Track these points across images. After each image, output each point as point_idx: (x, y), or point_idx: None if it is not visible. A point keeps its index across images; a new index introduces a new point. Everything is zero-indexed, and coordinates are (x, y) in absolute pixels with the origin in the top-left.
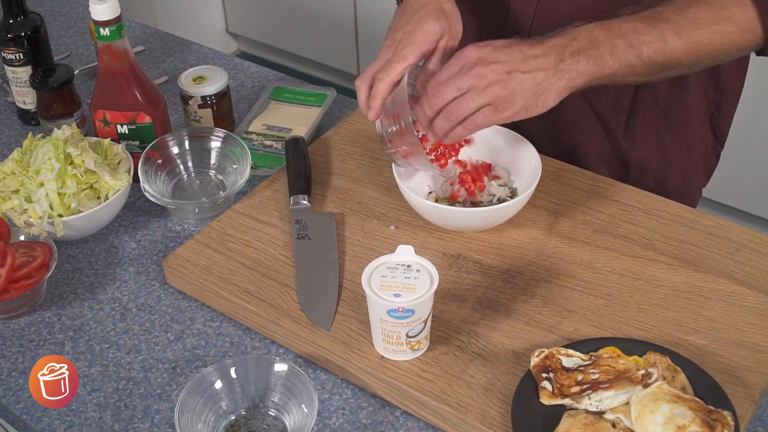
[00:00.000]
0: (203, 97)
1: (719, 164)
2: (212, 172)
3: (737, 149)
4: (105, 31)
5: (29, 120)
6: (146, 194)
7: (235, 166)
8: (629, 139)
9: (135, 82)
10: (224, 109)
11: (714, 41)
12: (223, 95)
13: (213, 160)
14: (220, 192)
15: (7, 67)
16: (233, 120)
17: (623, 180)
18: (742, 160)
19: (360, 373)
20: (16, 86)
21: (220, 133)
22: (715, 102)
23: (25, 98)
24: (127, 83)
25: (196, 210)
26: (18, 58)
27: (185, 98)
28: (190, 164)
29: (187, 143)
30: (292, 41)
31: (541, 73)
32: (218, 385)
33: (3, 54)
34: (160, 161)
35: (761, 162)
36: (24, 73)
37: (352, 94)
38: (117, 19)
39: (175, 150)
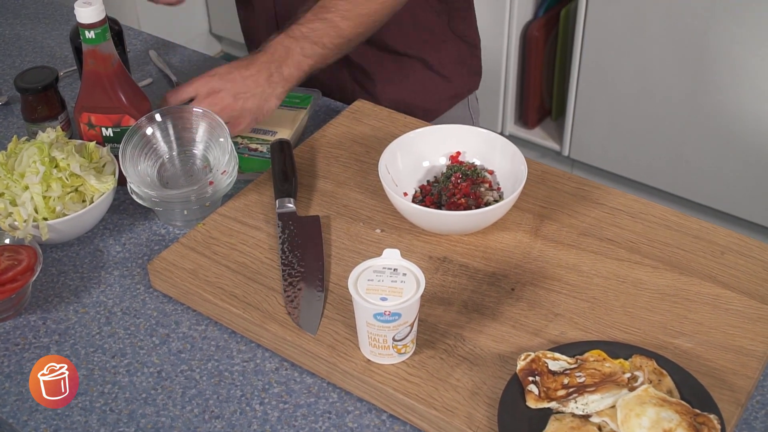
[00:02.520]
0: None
1: (708, 168)
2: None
3: (721, 153)
4: (90, 34)
5: None
6: (133, 196)
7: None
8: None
9: (120, 84)
10: None
11: (378, 7)
12: None
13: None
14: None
15: None
16: None
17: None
18: (728, 163)
19: (346, 376)
20: None
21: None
22: (446, 12)
23: None
24: (112, 86)
25: (185, 212)
26: None
27: None
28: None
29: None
30: None
31: (259, 90)
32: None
33: None
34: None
35: (747, 165)
36: None
37: None
38: (102, 22)
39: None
